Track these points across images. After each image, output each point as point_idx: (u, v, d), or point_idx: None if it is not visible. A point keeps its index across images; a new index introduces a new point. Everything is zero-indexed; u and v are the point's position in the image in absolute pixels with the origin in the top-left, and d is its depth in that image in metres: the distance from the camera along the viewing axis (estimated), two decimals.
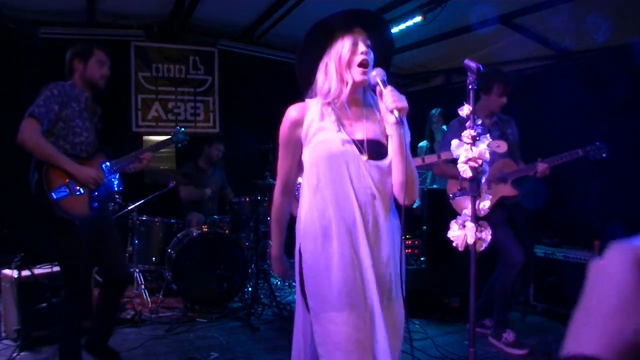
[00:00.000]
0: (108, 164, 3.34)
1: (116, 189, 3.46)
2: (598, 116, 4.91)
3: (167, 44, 6.44)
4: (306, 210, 1.97)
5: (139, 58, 6.26)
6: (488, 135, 2.02)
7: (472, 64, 1.98)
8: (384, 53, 2.07)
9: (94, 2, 5.33)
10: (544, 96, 5.44)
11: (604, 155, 3.87)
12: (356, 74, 1.92)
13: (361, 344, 1.86)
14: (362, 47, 1.92)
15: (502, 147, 3.56)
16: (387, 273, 1.97)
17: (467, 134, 1.97)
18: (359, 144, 1.93)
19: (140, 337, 4.14)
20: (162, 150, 6.44)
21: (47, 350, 3.75)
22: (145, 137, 6.50)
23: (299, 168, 2.09)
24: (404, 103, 1.80)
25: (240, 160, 6.13)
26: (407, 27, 5.36)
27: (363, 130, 1.96)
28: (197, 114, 6.68)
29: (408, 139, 1.95)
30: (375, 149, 1.94)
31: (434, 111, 6.15)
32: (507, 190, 4.03)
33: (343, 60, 1.92)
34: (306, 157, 2.00)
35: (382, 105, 1.86)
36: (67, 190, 3.06)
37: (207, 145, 5.90)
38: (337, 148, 1.90)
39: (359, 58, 1.91)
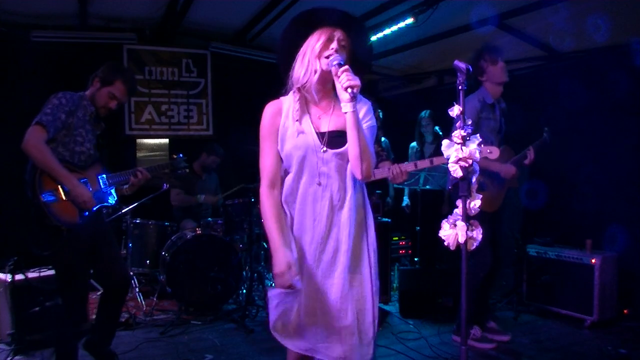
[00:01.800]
0: (104, 176, 3.33)
1: (112, 202, 3.44)
2: (595, 117, 4.93)
3: (160, 46, 6.44)
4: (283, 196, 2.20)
5: (131, 61, 6.26)
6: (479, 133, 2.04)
7: (462, 65, 2.00)
8: (363, 57, 2.24)
9: (86, 5, 5.32)
10: (540, 97, 5.47)
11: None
12: (323, 63, 2.07)
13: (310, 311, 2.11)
14: (334, 45, 2.08)
15: (494, 153, 3.55)
16: (348, 250, 2.12)
17: (457, 134, 1.99)
18: (320, 135, 2.12)
19: (134, 339, 4.14)
20: (156, 153, 6.42)
21: (41, 354, 3.75)
22: (139, 140, 6.50)
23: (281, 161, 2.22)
24: (357, 81, 1.94)
25: (233, 162, 6.13)
26: (399, 28, 5.37)
27: (328, 123, 2.15)
28: (190, 117, 6.68)
29: (372, 123, 2.16)
30: (336, 139, 2.11)
31: (423, 113, 6.15)
32: (513, 182, 4.01)
33: (315, 51, 2.09)
34: (280, 146, 2.18)
35: (338, 85, 1.99)
36: (56, 195, 3.04)
37: (206, 152, 5.89)
38: (300, 141, 2.11)
39: (328, 52, 2.07)
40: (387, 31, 5.52)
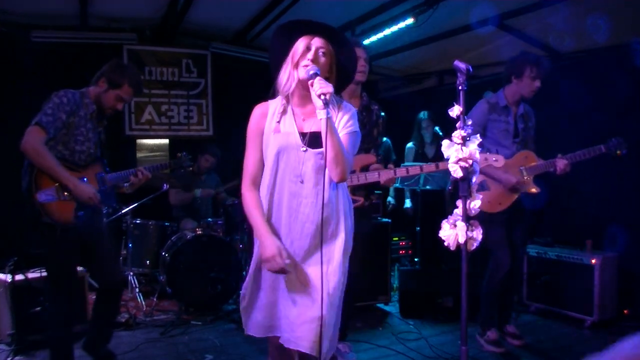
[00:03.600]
0: (103, 175, 3.29)
1: (111, 202, 3.41)
2: (596, 117, 4.92)
3: (160, 47, 6.44)
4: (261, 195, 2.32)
5: (131, 61, 6.25)
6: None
7: (462, 65, 2.00)
8: (346, 56, 2.32)
9: (87, 5, 5.32)
10: (540, 97, 5.48)
11: (624, 151, 3.77)
12: (300, 72, 2.18)
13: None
14: (310, 55, 2.19)
15: (500, 161, 3.54)
16: (310, 244, 2.24)
17: (457, 134, 1.99)
18: (302, 135, 2.23)
19: (134, 340, 4.14)
20: (156, 153, 6.41)
21: (41, 354, 3.74)
22: (139, 141, 6.50)
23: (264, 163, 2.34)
24: (329, 88, 2.03)
25: (233, 162, 6.13)
26: (399, 29, 5.37)
27: (311, 124, 2.24)
28: (190, 117, 6.68)
29: (354, 129, 2.26)
30: (318, 140, 2.18)
31: (422, 115, 6.16)
32: (530, 187, 3.89)
33: (293, 60, 2.21)
34: (264, 148, 2.31)
35: (312, 93, 2.08)
36: (54, 195, 3.02)
37: (199, 153, 5.88)
38: (283, 139, 2.24)
39: (305, 62, 2.18)
40: (387, 31, 5.52)
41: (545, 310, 4.85)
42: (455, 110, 2.02)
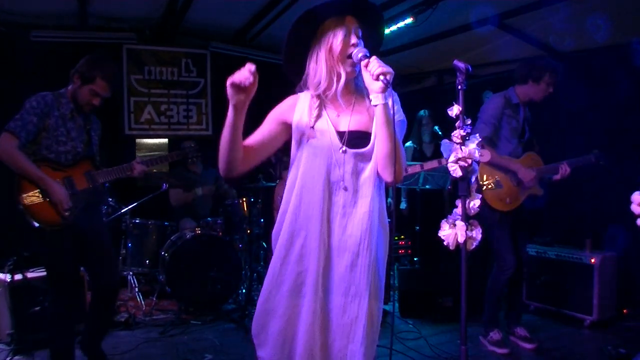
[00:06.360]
0: (93, 172, 3.28)
1: (106, 199, 3.39)
2: (595, 116, 4.93)
3: (160, 46, 6.43)
4: (284, 202, 2.00)
5: (131, 61, 6.25)
6: (477, 135, 2.03)
7: (461, 65, 1.99)
8: (375, 40, 2.07)
9: (86, 5, 5.32)
10: None
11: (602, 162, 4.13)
12: (347, 66, 1.90)
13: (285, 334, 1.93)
14: (353, 39, 1.89)
15: (486, 156, 3.56)
16: (349, 263, 1.92)
17: (456, 133, 1.99)
18: (340, 135, 1.93)
19: (134, 339, 4.15)
20: (155, 152, 6.41)
21: (40, 354, 3.75)
22: (138, 140, 6.49)
23: (263, 149, 2.01)
24: (389, 68, 1.77)
25: None
26: (399, 28, 5.37)
27: (348, 121, 1.96)
28: (189, 117, 6.68)
29: (402, 116, 1.96)
30: (357, 139, 1.93)
31: (422, 112, 6.15)
32: (535, 189, 3.99)
33: (334, 52, 1.89)
34: (293, 150, 2.01)
35: (367, 76, 1.82)
36: (35, 197, 3.02)
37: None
38: (317, 141, 1.93)
39: (350, 50, 1.88)
40: (387, 31, 5.51)
41: (545, 310, 4.85)
42: (454, 110, 2.01)
